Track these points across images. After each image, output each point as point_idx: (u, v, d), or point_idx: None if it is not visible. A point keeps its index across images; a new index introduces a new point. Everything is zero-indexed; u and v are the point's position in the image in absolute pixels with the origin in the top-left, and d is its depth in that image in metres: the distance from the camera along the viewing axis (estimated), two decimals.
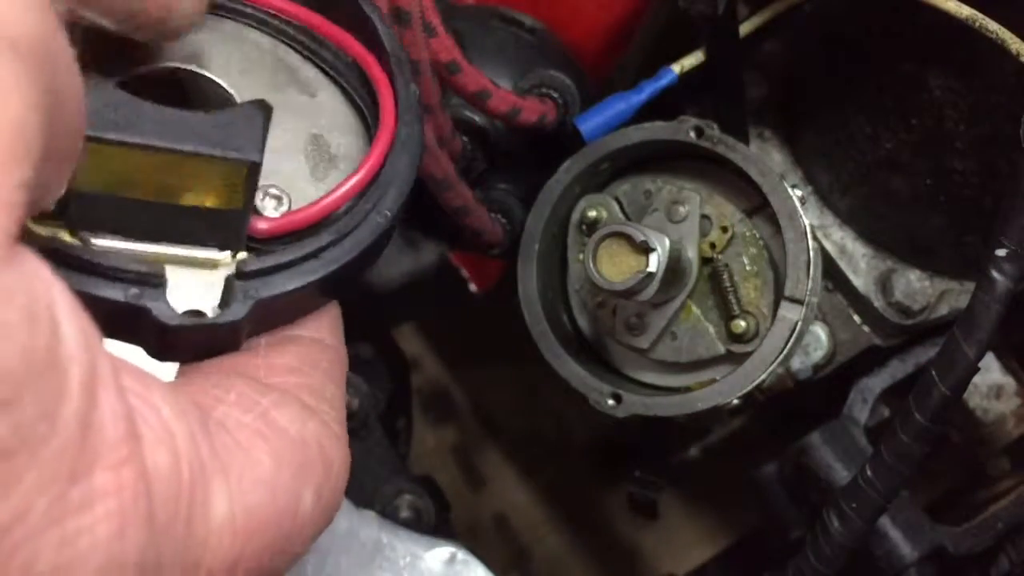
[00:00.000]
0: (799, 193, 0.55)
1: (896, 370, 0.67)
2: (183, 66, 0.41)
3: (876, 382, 0.67)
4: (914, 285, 0.64)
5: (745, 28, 0.60)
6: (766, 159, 0.63)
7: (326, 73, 0.43)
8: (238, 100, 0.40)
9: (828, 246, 0.65)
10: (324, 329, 0.41)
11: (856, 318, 0.66)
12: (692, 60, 0.58)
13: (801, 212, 0.54)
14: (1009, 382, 0.69)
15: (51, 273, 0.27)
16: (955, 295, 0.64)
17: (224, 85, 0.41)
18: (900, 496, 0.51)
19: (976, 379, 0.51)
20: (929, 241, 0.63)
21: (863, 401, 0.67)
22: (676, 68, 0.58)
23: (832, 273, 0.65)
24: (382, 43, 0.42)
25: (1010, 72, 0.53)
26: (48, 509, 0.26)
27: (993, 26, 0.50)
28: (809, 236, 0.54)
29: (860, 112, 0.60)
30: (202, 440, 0.31)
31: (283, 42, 0.43)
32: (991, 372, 0.69)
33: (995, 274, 0.46)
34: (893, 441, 0.49)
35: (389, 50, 0.42)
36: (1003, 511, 0.64)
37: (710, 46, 0.57)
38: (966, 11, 0.50)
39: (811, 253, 0.54)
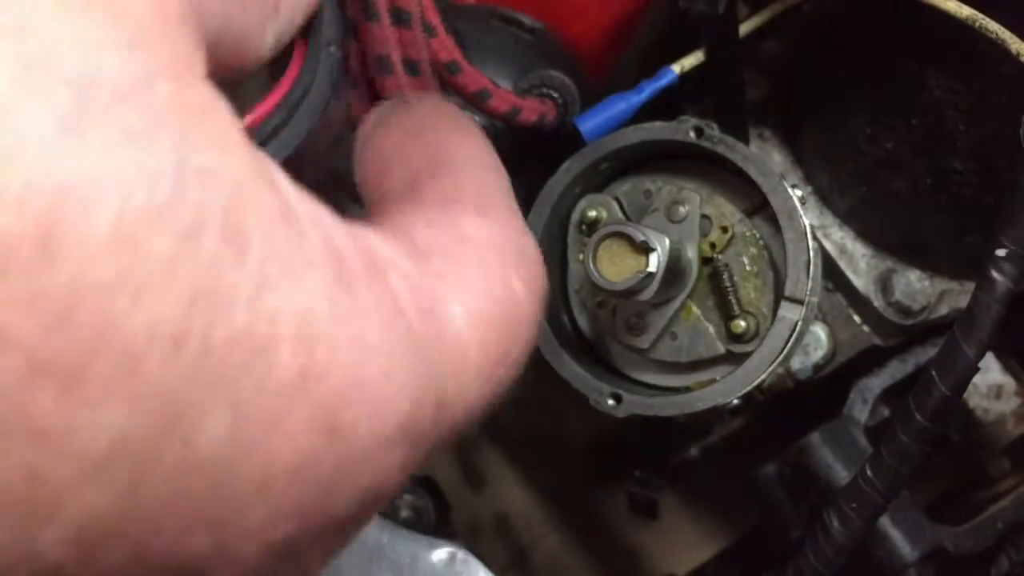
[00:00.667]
0: (799, 193, 0.55)
1: (896, 370, 0.67)
2: None
3: (876, 382, 0.67)
4: (914, 285, 0.64)
5: (745, 28, 0.60)
6: (766, 159, 0.63)
7: None
8: None
9: (828, 246, 0.65)
10: (467, 143, 0.42)
11: (856, 318, 0.66)
12: (692, 60, 0.58)
13: (801, 212, 0.54)
14: (1009, 382, 0.69)
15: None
16: (955, 295, 0.64)
17: None
18: (900, 496, 0.51)
19: (976, 379, 0.51)
20: (929, 241, 0.63)
21: (863, 401, 0.67)
22: (676, 68, 0.58)
23: (832, 273, 0.65)
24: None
25: (1010, 72, 0.53)
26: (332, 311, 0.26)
27: (993, 26, 0.50)
28: (809, 236, 0.54)
29: (860, 112, 0.60)
30: (420, 259, 0.31)
31: None
32: (991, 372, 0.69)
33: (995, 274, 0.46)
34: (893, 441, 0.49)
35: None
36: (1003, 511, 0.64)
37: (710, 46, 0.57)
38: (966, 11, 0.50)
39: (811, 253, 0.54)
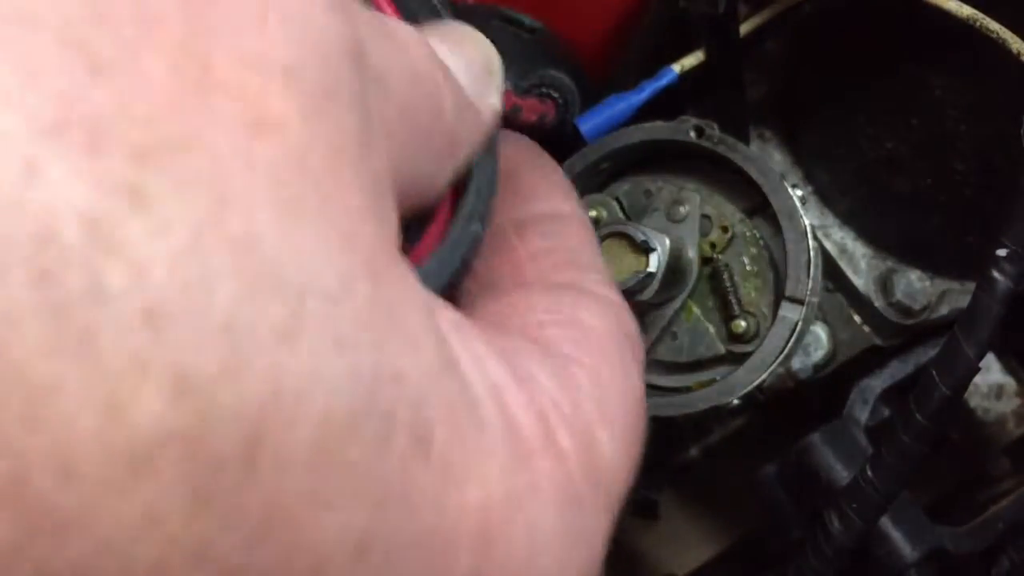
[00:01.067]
0: (799, 193, 0.55)
1: (896, 370, 0.67)
2: None
3: (876, 382, 0.67)
4: (915, 285, 0.63)
5: (746, 27, 0.60)
6: (766, 159, 0.63)
7: None
8: None
9: (828, 246, 0.65)
10: (554, 196, 0.40)
11: (856, 318, 0.66)
12: (692, 60, 0.58)
13: (801, 212, 0.54)
14: (1009, 382, 0.69)
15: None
16: (956, 295, 0.64)
17: None
18: (900, 496, 0.51)
19: (977, 379, 0.51)
20: (930, 241, 0.63)
21: (863, 401, 0.66)
22: (676, 68, 0.58)
23: (832, 273, 0.65)
24: None
25: (1012, 72, 0.52)
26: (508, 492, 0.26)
27: (994, 26, 0.50)
28: (809, 236, 0.54)
29: (861, 112, 0.60)
30: (563, 384, 0.31)
31: None
32: (992, 372, 0.68)
33: (996, 274, 0.46)
34: (894, 441, 0.49)
35: None
36: (1004, 511, 0.64)
37: (710, 46, 0.57)
38: (967, 11, 0.50)
39: (811, 253, 0.54)
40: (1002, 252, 0.46)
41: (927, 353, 0.67)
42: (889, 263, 0.64)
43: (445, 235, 0.36)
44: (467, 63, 0.32)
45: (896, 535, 0.62)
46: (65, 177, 0.19)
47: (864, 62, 0.60)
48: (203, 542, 0.20)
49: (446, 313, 0.28)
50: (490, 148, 0.36)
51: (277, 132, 0.22)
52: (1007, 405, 0.69)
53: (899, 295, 0.63)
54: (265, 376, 0.21)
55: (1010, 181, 0.47)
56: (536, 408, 0.29)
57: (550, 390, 0.30)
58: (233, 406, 0.20)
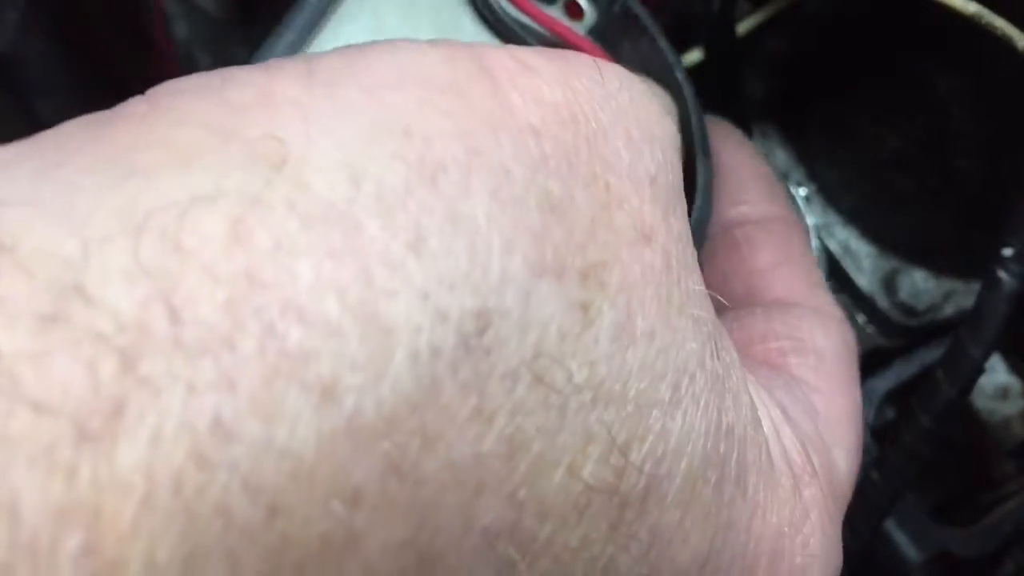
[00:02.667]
0: (802, 192, 0.55)
1: (901, 371, 0.66)
2: None
3: (881, 383, 0.66)
4: (919, 285, 0.63)
5: (747, 25, 0.59)
6: (769, 157, 0.63)
7: None
8: None
9: (832, 245, 0.64)
10: (765, 197, 0.46)
11: (860, 318, 0.65)
12: (691, 58, 0.57)
13: (804, 211, 0.54)
14: (1015, 383, 0.68)
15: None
16: (961, 295, 0.63)
17: None
18: (905, 498, 0.51)
19: (982, 380, 0.51)
20: (935, 240, 0.63)
21: (868, 402, 0.66)
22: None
23: (836, 273, 0.65)
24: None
25: (1017, 69, 0.52)
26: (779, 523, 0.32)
27: (1000, 22, 0.49)
28: (812, 235, 0.54)
29: (864, 110, 0.60)
30: (807, 412, 0.37)
31: None
32: (997, 373, 0.68)
33: (1002, 274, 0.46)
34: (898, 442, 0.48)
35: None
36: (1009, 514, 0.64)
37: (709, 43, 0.57)
38: (972, 7, 0.49)
39: (814, 253, 0.53)
40: (1008, 252, 0.46)
41: (932, 354, 0.66)
42: (893, 262, 0.64)
43: None
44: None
45: (900, 537, 0.61)
46: (545, 299, 0.25)
47: (868, 59, 0.60)
48: (611, 557, 0.26)
49: (732, 355, 0.33)
50: (705, 148, 0.39)
51: (654, 239, 0.28)
52: (1013, 406, 0.68)
53: (903, 295, 0.63)
54: (660, 437, 0.27)
55: (1016, 179, 0.47)
56: (799, 441, 0.34)
57: (803, 422, 0.36)
58: (637, 462, 0.26)
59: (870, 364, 0.67)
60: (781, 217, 0.45)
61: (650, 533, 0.27)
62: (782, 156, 0.65)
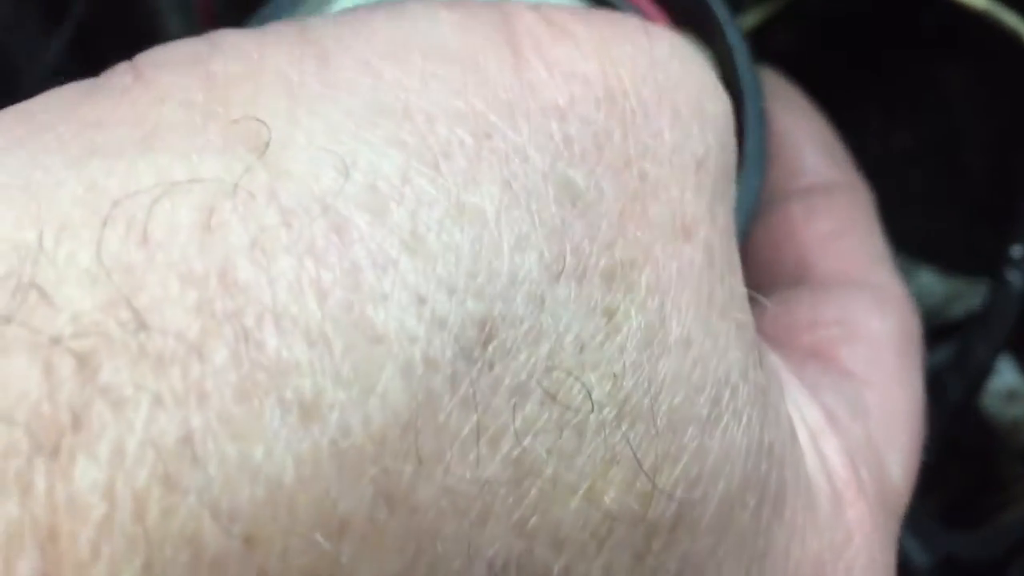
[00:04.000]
0: None
1: None
2: None
3: None
4: (927, 284, 0.63)
5: (753, 20, 0.59)
6: None
7: None
8: None
9: None
10: (827, 162, 0.41)
11: None
12: None
13: None
14: None
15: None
16: (969, 295, 0.63)
17: None
18: (912, 501, 0.51)
19: (990, 382, 0.51)
20: (943, 239, 0.62)
21: None
22: None
23: None
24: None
25: None
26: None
27: (1008, 17, 0.49)
28: None
29: (872, 107, 0.60)
30: (857, 413, 0.33)
31: None
32: (1005, 374, 0.67)
33: (1010, 274, 0.46)
34: None
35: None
36: (1018, 517, 0.63)
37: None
38: (981, 3, 0.49)
39: None
40: (1017, 251, 0.45)
41: (939, 355, 0.66)
42: (900, 262, 0.63)
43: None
44: None
45: (907, 541, 0.61)
46: (562, 304, 0.22)
47: (874, 55, 0.59)
48: None
49: (771, 360, 0.30)
50: (759, 113, 0.35)
51: (695, 233, 0.25)
52: (1021, 408, 0.68)
53: (911, 294, 0.62)
54: (695, 457, 0.24)
55: None
56: (845, 451, 0.31)
57: (850, 428, 0.32)
58: (667, 486, 0.23)
59: None
60: (843, 183, 0.41)
61: (680, 563, 0.24)
62: None
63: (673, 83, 0.26)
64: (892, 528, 0.34)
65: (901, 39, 0.58)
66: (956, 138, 0.57)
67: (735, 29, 0.36)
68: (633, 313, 0.23)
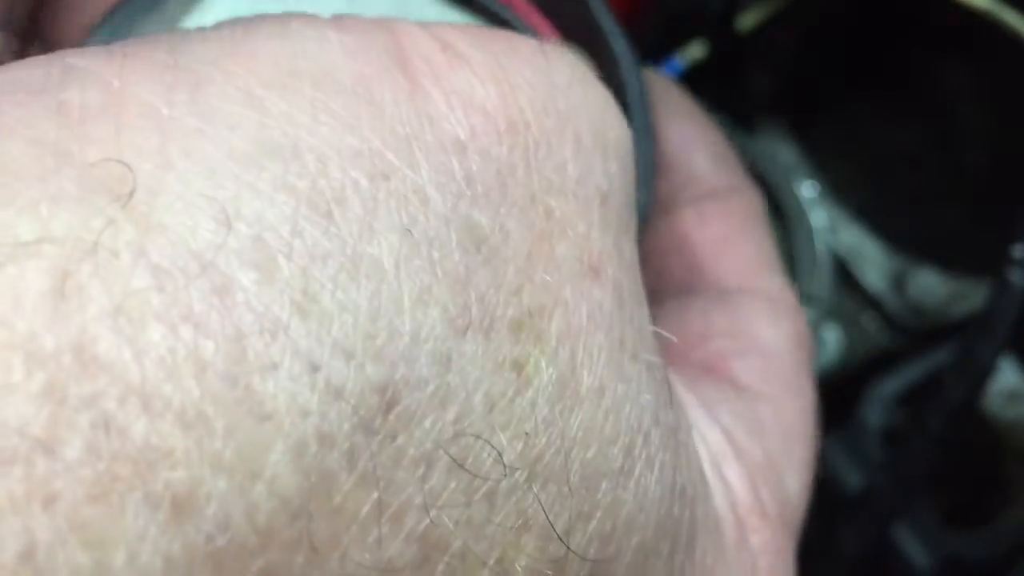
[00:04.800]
0: (809, 189, 0.55)
1: (910, 373, 0.66)
2: None
3: (889, 385, 0.66)
4: (928, 285, 0.63)
5: (754, 19, 0.59)
6: (775, 155, 0.63)
7: None
8: None
9: (839, 244, 0.64)
10: (717, 165, 0.39)
11: (869, 319, 0.65)
12: (696, 52, 0.57)
13: (810, 209, 0.54)
14: None
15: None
16: (971, 295, 0.63)
17: None
18: (914, 502, 0.51)
19: (991, 382, 0.51)
20: (944, 239, 0.62)
21: (876, 405, 0.66)
22: (680, 61, 0.57)
23: (843, 272, 0.64)
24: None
25: None
26: None
27: (1010, 17, 0.49)
28: (819, 234, 0.54)
29: (872, 105, 0.60)
30: (752, 429, 0.32)
31: None
32: (1007, 375, 0.67)
33: (1012, 274, 0.45)
34: (907, 446, 0.48)
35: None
36: (1020, 517, 0.63)
37: (711, 39, 0.57)
38: (982, 1, 0.49)
39: (822, 251, 0.53)
40: (1019, 251, 0.45)
41: (941, 355, 0.66)
42: (902, 262, 0.64)
43: None
44: None
45: (910, 542, 0.61)
46: (470, 361, 0.20)
47: (876, 54, 0.60)
48: None
49: (677, 391, 0.29)
50: (647, 126, 0.34)
51: (603, 271, 0.24)
52: (1023, 408, 0.68)
53: (912, 295, 0.63)
54: (608, 512, 0.23)
55: None
56: (747, 475, 0.30)
57: (750, 448, 0.31)
58: (580, 547, 0.22)
59: (878, 366, 0.67)
60: (734, 188, 0.38)
61: None
62: (789, 152, 0.65)
63: (574, 110, 0.25)
64: (792, 546, 0.33)
65: (903, 39, 0.58)
66: (958, 138, 0.57)
67: (622, 39, 0.35)
68: (543, 365, 0.22)
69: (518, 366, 0.21)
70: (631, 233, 0.26)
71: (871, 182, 0.62)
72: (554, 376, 0.22)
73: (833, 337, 0.65)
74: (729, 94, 0.59)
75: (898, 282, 0.63)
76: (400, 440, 0.19)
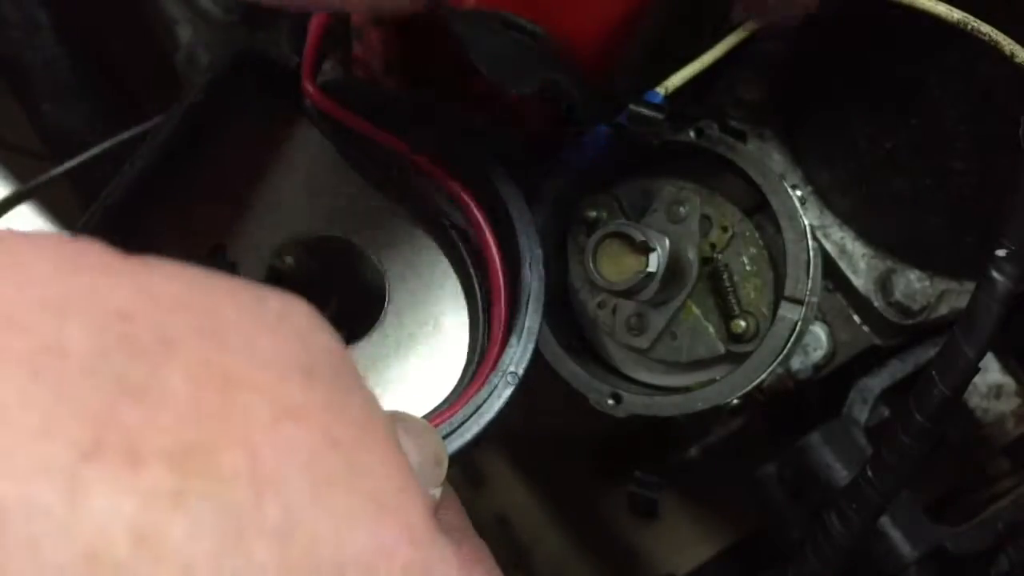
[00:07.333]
0: (799, 193, 0.55)
1: (896, 370, 0.67)
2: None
3: (876, 382, 0.67)
4: (914, 285, 0.64)
5: (746, 27, 0.59)
6: (766, 159, 0.63)
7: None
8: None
9: (828, 246, 0.65)
10: None
11: (856, 318, 0.66)
12: (677, 80, 0.56)
13: (801, 212, 0.54)
14: (1009, 382, 0.69)
15: None
16: (955, 295, 0.64)
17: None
18: (900, 496, 0.51)
19: (976, 379, 0.51)
20: (929, 241, 0.63)
21: (863, 401, 0.67)
22: (661, 90, 0.56)
23: (832, 273, 0.65)
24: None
25: (1008, 72, 0.52)
26: None
27: (986, 28, 0.50)
28: (809, 236, 0.54)
29: (860, 112, 0.60)
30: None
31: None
32: (991, 372, 0.68)
33: (995, 274, 0.46)
34: (893, 441, 0.49)
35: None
36: (1003, 511, 0.64)
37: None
38: (957, 15, 0.50)
39: (811, 253, 0.54)
40: (1001, 252, 0.46)
41: (926, 353, 0.67)
42: (888, 263, 0.64)
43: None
44: (421, 457, 0.34)
45: (896, 534, 0.62)
46: (110, 493, 0.20)
47: (863, 62, 0.60)
48: None
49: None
50: (535, 256, 0.49)
51: (303, 416, 0.24)
52: (1006, 405, 0.69)
53: (898, 295, 0.63)
54: None
55: (1009, 181, 0.48)
56: None
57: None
58: None
59: (865, 363, 0.68)
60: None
61: None
62: (779, 158, 0.66)
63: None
64: None
65: (889, 47, 0.58)
66: (943, 142, 0.57)
67: (512, 184, 0.41)
68: (209, 498, 0.21)
69: (177, 497, 0.21)
70: (360, 405, 0.27)
71: (858, 186, 0.63)
72: (226, 510, 0.21)
73: (821, 335, 0.66)
74: (721, 102, 0.60)
75: (884, 283, 0.64)
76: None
